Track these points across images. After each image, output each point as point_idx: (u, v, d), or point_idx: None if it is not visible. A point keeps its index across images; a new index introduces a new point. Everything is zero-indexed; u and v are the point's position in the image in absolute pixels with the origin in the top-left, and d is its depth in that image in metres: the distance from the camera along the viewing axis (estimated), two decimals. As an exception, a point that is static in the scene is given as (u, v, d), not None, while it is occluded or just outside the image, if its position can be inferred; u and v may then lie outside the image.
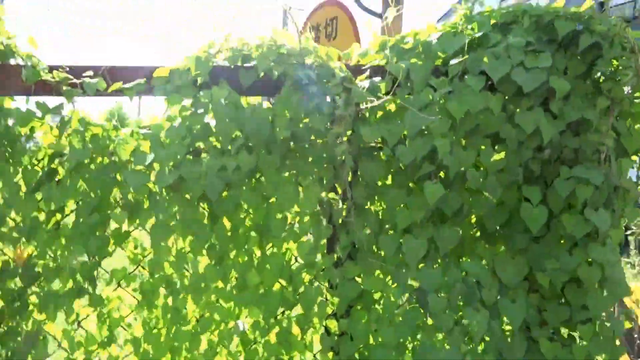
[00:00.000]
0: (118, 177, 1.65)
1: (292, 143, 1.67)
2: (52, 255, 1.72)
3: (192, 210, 1.63)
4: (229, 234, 1.66)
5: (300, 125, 1.65)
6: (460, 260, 1.74)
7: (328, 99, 1.66)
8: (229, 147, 1.62)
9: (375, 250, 1.70)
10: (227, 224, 1.71)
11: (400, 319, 1.68)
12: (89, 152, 1.59)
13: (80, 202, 1.68)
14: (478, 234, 1.78)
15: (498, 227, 1.73)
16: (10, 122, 1.73)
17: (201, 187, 1.58)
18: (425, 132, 1.62)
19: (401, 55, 1.75)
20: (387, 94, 1.67)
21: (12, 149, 1.70)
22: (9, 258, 1.76)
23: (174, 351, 1.71)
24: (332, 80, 1.65)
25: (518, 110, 1.63)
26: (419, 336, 1.68)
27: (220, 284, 1.70)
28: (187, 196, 1.61)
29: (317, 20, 4.64)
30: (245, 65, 1.75)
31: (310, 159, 1.67)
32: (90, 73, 1.72)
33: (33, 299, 1.73)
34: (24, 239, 1.68)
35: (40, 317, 1.75)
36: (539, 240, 1.67)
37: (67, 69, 1.72)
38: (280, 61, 1.66)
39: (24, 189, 1.69)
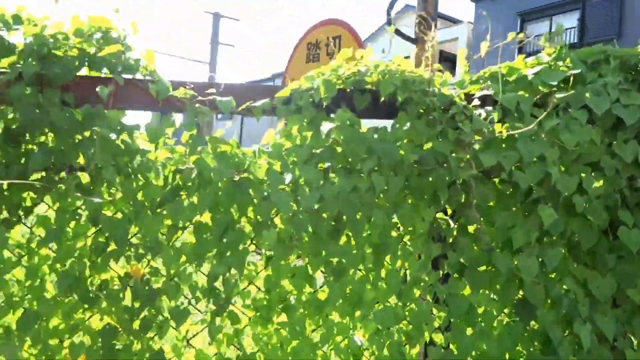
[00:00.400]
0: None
1: (415, 166, 1.76)
2: (167, 272, 1.72)
3: (322, 229, 1.68)
4: (354, 251, 1.73)
5: (425, 149, 1.74)
6: (550, 276, 1.89)
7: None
8: (358, 168, 1.69)
9: (485, 267, 1.82)
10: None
11: (498, 332, 1.82)
12: (231, 170, 1.60)
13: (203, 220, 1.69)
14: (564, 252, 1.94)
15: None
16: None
17: (336, 206, 1.64)
18: (537, 160, 1.77)
19: (503, 86, 1.89)
20: (498, 122, 1.81)
21: (131, 164, 1.69)
22: (118, 275, 1.73)
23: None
24: (453, 107, 1.76)
25: (615, 142, 1.81)
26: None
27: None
28: (325, 215, 1.66)
29: (317, 37, 4.70)
30: (359, 88, 1.83)
31: (430, 180, 1.76)
32: (214, 90, 1.74)
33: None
34: (148, 256, 1.66)
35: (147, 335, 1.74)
36: (624, 259, 1.86)
37: (192, 85, 1.73)
38: (404, 87, 1.75)
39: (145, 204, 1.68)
